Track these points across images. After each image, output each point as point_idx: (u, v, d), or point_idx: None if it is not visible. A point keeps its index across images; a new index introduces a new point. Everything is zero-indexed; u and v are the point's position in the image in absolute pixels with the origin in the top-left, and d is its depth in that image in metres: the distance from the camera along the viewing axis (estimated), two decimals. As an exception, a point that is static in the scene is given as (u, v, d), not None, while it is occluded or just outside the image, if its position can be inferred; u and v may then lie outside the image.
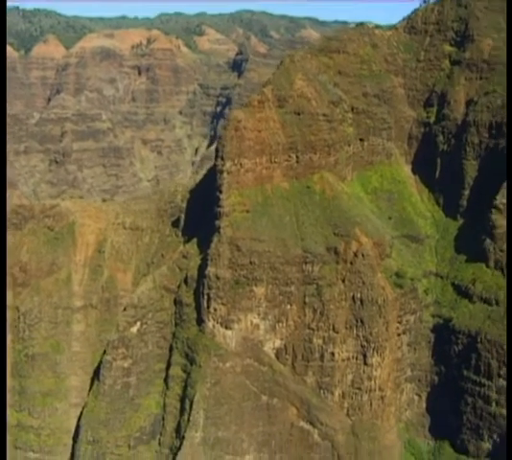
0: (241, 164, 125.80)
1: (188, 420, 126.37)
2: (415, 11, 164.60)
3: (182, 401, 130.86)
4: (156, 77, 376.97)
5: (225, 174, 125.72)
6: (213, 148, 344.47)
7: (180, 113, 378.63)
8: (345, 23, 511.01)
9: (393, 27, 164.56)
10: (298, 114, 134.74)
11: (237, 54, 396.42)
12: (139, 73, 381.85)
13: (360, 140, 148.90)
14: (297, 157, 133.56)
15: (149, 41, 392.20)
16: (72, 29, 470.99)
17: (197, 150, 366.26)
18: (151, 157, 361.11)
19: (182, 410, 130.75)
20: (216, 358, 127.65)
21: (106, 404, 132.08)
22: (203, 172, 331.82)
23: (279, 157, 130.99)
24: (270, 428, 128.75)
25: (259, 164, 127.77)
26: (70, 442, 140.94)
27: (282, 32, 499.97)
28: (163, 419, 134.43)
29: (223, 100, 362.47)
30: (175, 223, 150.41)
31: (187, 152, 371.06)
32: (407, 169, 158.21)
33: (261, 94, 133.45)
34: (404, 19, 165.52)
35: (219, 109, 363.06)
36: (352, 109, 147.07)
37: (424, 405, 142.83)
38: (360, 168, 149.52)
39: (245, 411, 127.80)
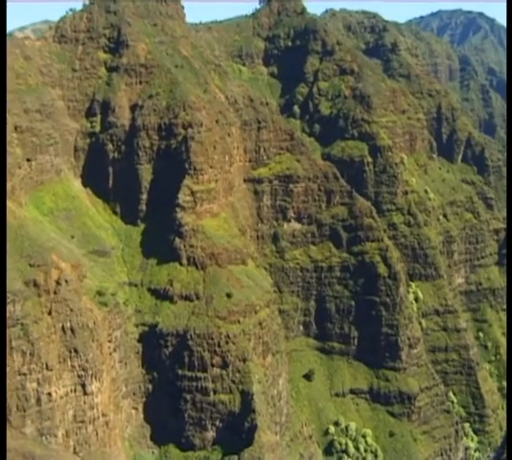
0: None
1: None
2: (62, 19, 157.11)
3: None
4: None
5: None
6: None
7: None
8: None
9: (42, 37, 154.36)
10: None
11: None
12: None
13: (28, 160, 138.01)
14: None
15: None
16: None
17: None
18: None
19: None
20: None
21: None
22: None
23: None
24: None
25: None
26: None
27: None
28: None
29: None
30: None
31: None
32: (78, 183, 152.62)
33: None
34: (50, 28, 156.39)
35: None
36: (15, 128, 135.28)
37: (142, 417, 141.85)
38: (32, 189, 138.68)
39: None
